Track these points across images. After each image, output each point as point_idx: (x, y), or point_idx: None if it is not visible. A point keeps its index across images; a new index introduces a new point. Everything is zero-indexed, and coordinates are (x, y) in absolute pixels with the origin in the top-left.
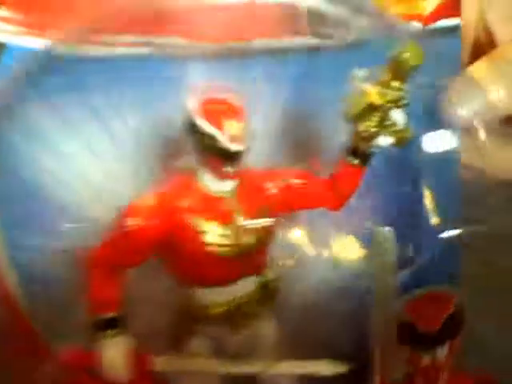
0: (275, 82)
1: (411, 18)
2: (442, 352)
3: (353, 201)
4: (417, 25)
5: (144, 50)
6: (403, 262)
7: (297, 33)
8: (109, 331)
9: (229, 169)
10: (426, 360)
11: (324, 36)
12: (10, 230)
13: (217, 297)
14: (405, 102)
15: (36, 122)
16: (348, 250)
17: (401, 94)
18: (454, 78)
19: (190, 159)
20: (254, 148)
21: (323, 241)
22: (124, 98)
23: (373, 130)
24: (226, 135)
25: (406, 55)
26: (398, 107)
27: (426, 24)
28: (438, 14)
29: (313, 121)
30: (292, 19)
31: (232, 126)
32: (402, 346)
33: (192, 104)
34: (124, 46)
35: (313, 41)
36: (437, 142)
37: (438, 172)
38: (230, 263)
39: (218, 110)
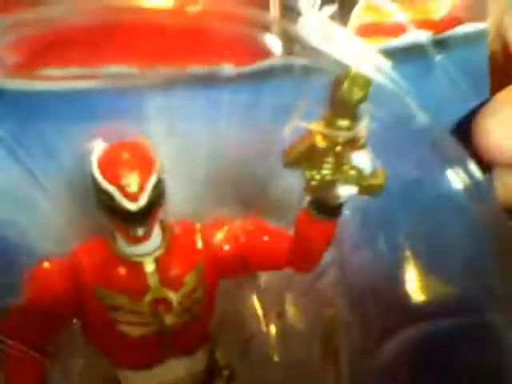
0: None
1: (419, 25)
2: None
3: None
4: (425, 34)
5: (87, 83)
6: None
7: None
8: None
9: (136, 231)
10: None
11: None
12: None
13: (139, 380)
14: (361, 142)
15: None
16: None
17: (352, 134)
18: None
19: None
20: (179, 193)
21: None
22: (67, 136)
23: (325, 178)
24: (124, 192)
25: (346, 86)
26: (354, 149)
27: (437, 32)
28: (454, 18)
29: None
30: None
31: (132, 180)
32: None
33: (96, 150)
34: (67, 79)
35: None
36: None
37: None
38: (146, 344)
39: (117, 160)
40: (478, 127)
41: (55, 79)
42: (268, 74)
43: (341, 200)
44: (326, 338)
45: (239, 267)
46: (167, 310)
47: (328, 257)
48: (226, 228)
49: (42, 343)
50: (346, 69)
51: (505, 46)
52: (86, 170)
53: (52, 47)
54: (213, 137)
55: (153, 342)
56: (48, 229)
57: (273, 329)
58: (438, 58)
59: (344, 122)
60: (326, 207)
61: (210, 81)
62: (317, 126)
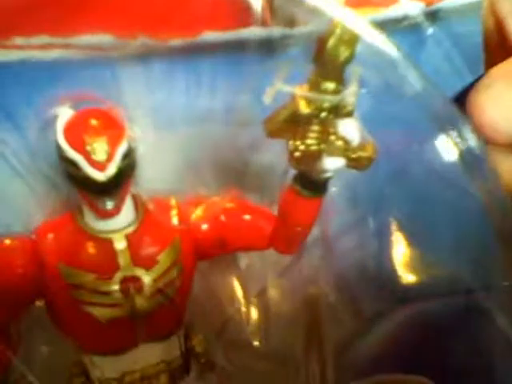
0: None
1: None
2: None
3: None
4: (419, 5)
5: (59, 53)
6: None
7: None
8: None
9: (106, 204)
10: None
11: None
12: None
13: (109, 367)
14: (349, 108)
15: None
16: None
17: (339, 98)
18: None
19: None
20: (155, 170)
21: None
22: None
23: (310, 148)
24: (90, 160)
25: (331, 43)
26: (341, 116)
27: (429, 3)
28: None
29: (248, 137)
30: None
31: (99, 148)
32: None
33: (61, 118)
34: (32, 48)
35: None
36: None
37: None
38: (116, 327)
39: (83, 126)
40: (471, 104)
41: (22, 49)
42: (249, 44)
43: (327, 174)
44: (311, 321)
45: (218, 247)
46: (138, 290)
47: (312, 235)
48: (204, 206)
49: (2, 326)
50: (331, 25)
51: (498, 20)
52: (50, 139)
53: (19, 10)
54: (192, 111)
55: (123, 325)
56: (12, 204)
57: (253, 312)
58: (431, 30)
59: (330, 85)
60: (311, 182)
61: (189, 51)
62: (300, 91)
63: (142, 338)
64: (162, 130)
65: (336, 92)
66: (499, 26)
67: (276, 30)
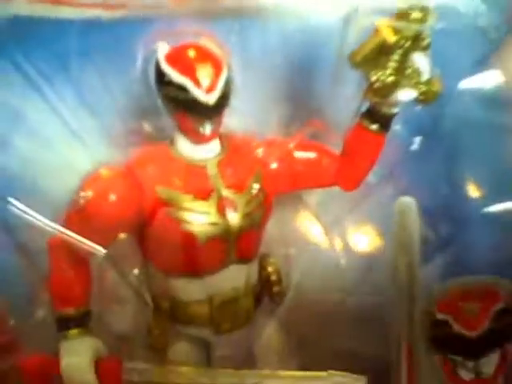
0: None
1: None
2: (489, 365)
3: (371, 178)
4: None
5: (118, 12)
6: (436, 247)
7: None
8: (71, 331)
9: (205, 128)
10: (465, 374)
11: None
12: None
13: (197, 289)
14: (427, 41)
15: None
16: (365, 236)
17: (422, 27)
18: None
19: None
20: (240, 108)
21: (335, 226)
22: (99, 65)
23: (389, 79)
24: (199, 84)
25: None
26: (420, 49)
27: None
28: None
29: (317, 75)
30: None
31: (206, 73)
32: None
33: (161, 50)
34: (95, 7)
35: None
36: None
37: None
38: (212, 247)
39: (188, 55)
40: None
41: (81, 6)
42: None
43: (396, 108)
44: (401, 225)
45: (290, 183)
46: (233, 210)
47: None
48: (277, 144)
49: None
50: None
51: None
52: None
53: None
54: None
55: (217, 244)
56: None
57: (333, 239)
58: None
59: (417, 15)
60: (380, 117)
61: (241, 12)
62: (387, 21)
63: (232, 258)
64: None
65: (422, 20)
66: None
67: None
